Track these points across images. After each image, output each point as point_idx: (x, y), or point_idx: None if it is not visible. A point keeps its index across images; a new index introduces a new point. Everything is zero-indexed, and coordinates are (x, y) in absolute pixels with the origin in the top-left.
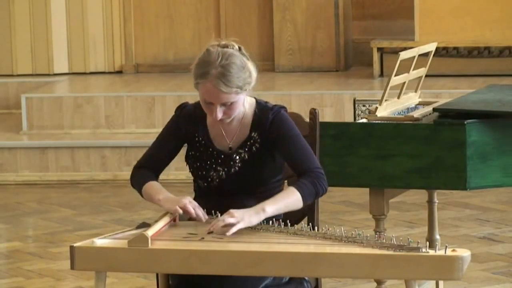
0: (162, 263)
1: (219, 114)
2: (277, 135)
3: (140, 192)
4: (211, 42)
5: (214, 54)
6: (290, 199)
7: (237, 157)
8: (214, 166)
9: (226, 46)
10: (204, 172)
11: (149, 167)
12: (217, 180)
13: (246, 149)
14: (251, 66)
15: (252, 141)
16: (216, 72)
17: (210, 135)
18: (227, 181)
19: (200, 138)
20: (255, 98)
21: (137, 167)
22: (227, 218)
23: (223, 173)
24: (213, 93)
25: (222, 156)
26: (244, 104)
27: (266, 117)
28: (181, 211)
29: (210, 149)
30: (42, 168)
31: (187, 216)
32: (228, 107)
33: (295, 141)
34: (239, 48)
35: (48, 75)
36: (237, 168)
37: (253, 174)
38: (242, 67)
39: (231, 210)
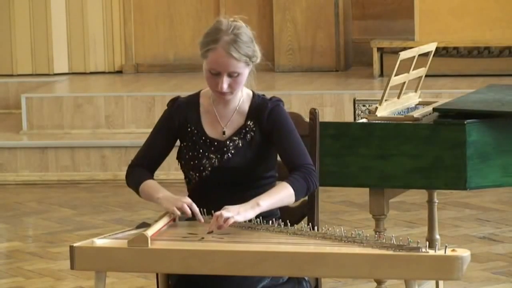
0: (162, 263)
1: (225, 85)
2: (274, 126)
3: (137, 191)
4: (220, 16)
5: (225, 23)
6: (283, 193)
7: (231, 144)
8: (206, 154)
9: (235, 21)
10: (196, 161)
11: (144, 165)
12: (209, 168)
13: (241, 137)
14: (256, 44)
15: (247, 129)
16: (228, 38)
17: (202, 124)
18: (219, 170)
19: (193, 128)
20: (252, 90)
21: (131, 165)
22: (224, 213)
23: (216, 160)
24: (224, 59)
25: (216, 144)
26: (242, 90)
27: (265, 106)
28: (178, 213)
29: (203, 138)
30: (42, 168)
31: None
32: (234, 79)
33: (291, 135)
34: (246, 26)
35: (48, 75)
36: (230, 155)
37: (246, 164)
38: (251, 38)
39: (226, 206)
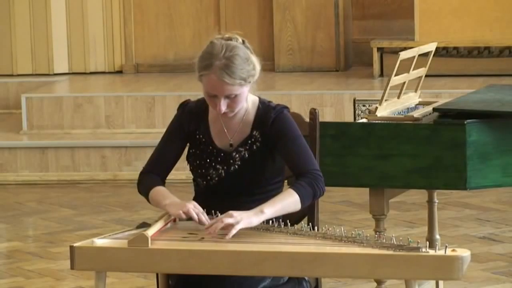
0: (162, 263)
1: (223, 107)
2: (278, 134)
3: (147, 198)
4: (215, 35)
5: (218, 46)
6: (288, 201)
7: (237, 156)
8: (213, 164)
9: (230, 39)
10: (203, 170)
11: (155, 171)
12: (216, 178)
13: (247, 148)
14: (255, 59)
15: (253, 139)
16: (220, 63)
17: (211, 133)
18: (227, 180)
19: (201, 136)
20: (258, 97)
21: (143, 172)
22: (226, 219)
23: (223, 171)
24: (217, 84)
25: (222, 154)
26: (247, 101)
27: (269, 115)
28: (184, 216)
29: (210, 147)
30: (42, 168)
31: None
32: (232, 99)
33: (296, 141)
34: (243, 41)
35: (48, 75)
36: (236, 166)
37: (253, 174)
38: (246, 59)
39: (230, 212)
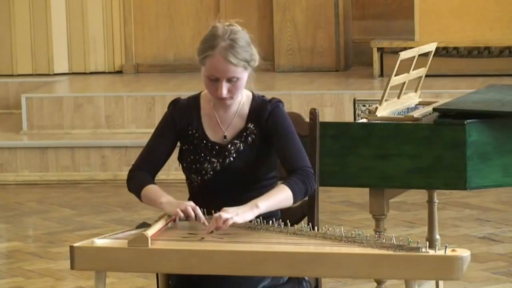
0: (162, 263)
1: (224, 90)
2: (274, 128)
3: (138, 196)
4: (215, 22)
5: (221, 29)
6: (281, 196)
7: (232, 148)
8: (208, 158)
9: (231, 25)
10: (198, 165)
11: (145, 169)
12: (211, 172)
13: (242, 139)
14: (254, 48)
15: (248, 131)
16: (226, 44)
17: (204, 127)
18: (222, 174)
19: (194, 131)
20: (251, 91)
21: (132, 169)
22: (222, 214)
23: (218, 164)
24: (221, 65)
25: (217, 147)
26: (242, 94)
27: (265, 108)
28: (182, 215)
29: (204, 141)
30: (42, 168)
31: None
32: (233, 84)
33: (290, 137)
34: (242, 30)
35: (48, 75)
36: (232, 159)
37: (248, 167)
38: (248, 43)
39: (225, 208)
